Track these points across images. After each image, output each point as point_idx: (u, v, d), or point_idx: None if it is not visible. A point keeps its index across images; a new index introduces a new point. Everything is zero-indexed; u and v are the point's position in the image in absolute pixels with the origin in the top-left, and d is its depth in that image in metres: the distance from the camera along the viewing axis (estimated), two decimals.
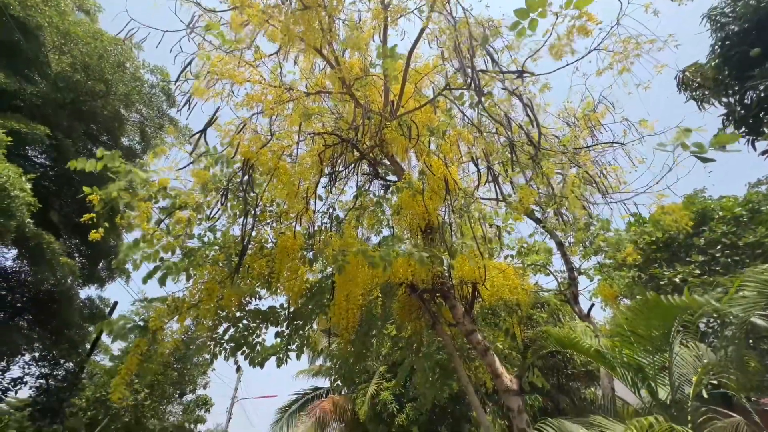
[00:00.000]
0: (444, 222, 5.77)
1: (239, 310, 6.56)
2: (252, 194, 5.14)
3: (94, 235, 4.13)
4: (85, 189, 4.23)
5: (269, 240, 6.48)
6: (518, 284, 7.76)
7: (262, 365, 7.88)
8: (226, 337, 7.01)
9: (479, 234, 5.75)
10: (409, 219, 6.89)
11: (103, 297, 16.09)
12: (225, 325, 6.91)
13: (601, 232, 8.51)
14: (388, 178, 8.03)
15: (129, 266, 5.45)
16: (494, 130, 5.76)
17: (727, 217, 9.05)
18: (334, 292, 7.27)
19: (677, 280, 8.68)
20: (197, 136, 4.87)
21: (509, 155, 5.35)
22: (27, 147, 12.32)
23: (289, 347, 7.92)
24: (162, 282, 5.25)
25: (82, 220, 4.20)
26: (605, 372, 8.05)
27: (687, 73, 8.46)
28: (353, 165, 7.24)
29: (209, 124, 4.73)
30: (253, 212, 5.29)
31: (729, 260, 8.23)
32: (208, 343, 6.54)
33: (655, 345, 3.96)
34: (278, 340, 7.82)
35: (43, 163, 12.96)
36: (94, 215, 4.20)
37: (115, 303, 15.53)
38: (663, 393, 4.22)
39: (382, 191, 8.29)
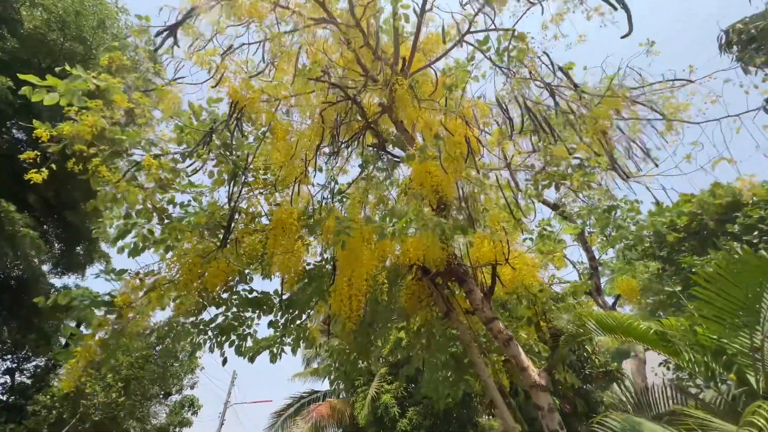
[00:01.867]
0: (463, 192, 5.01)
1: (226, 291, 5.73)
2: (239, 151, 4.36)
3: (34, 176, 3.31)
4: (35, 123, 3.43)
5: (262, 213, 5.70)
6: (537, 272, 7.00)
7: (253, 359, 7.04)
8: (212, 325, 6.19)
9: (502, 202, 4.99)
10: (419, 194, 6.14)
11: (81, 286, 15.06)
12: (210, 311, 6.10)
13: (630, 214, 7.76)
14: (395, 152, 7.29)
15: (107, 248, 4.69)
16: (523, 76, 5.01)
17: (762, 202, 8.34)
18: (335, 274, 6.48)
19: (711, 268, 7.89)
20: (164, 36, 4.09)
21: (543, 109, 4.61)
22: None
23: (283, 339, 7.10)
24: (135, 253, 4.45)
25: (21, 156, 3.41)
26: (635, 366, 7.22)
27: (737, 28, 7.73)
28: (357, 135, 6.48)
29: (181, 22, 3.97)
30: (242, 173, 4.51)
31: None
32: (191, 330, 5.71)
33: (746, 319, 3.21)
34: (272, 332, 7.00)
35: (19, 138, 11.94)
36: (36, 153, 3.41)
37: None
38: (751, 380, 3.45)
39: (389, 167, 7.53)
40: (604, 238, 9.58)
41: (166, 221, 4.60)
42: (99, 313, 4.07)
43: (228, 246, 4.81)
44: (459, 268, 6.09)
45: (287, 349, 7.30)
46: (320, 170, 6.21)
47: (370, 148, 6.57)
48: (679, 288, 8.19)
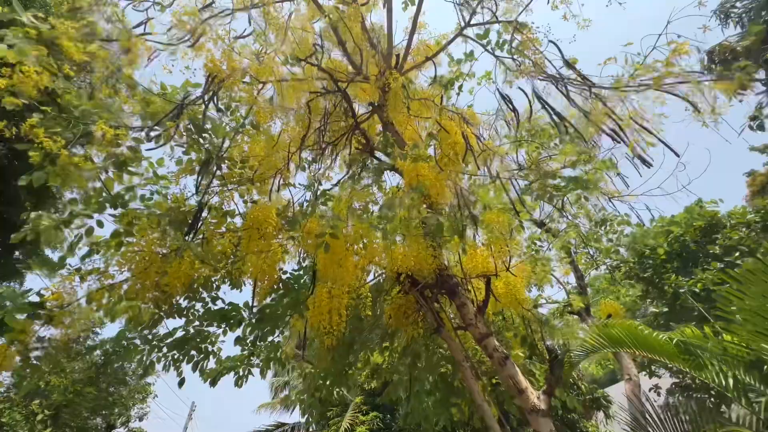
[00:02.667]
0: (461, 192, 4.65)
1: (188, 299, 4.99)
2: (215, 137, 3.84)
3: None
4: None
5: (236, 211, 5.10)
6: (525, 287, 6.67)
7: (215, 382, 6.17)
8: (169, 340, 5.35)
9: (504, 200, 4.66)
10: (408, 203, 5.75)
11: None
12: (168, 325, 5.28)
13: (620, 228, 7.67)
14: (382, 159, 6.93)
15: (49, 252, 3.93)
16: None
17: (740, 224, 8.50)
18: (315, 283, 5.87)
19: (697, 289, 7.85)
20: None
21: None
22: None
23: (251, 360, 6.29)
24: (71, 250, 3.71)
25: None
26: (629, 390, 6.87)
27: (721, 46, 8.12)
28: (345, 135, 6.10)
29: None
30: (215, 161, 3.97)
31: None
32: (141, 346, 4.87)
33: None
34: (238, 351, 6.19)
35: None
36: None
37: None
38: None
39: (375, 174, 7.14)
40: (590, 258, 9.46)
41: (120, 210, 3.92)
42: (21, 317, 3.26)
43: (194, 242, 4.16)
44: (450, 280, 5.65)
45: (255, 372, 6.49)
46: (303, 169, 5.73)
47: (357, 151, 6.19)
48: (665, 309, 8.06)
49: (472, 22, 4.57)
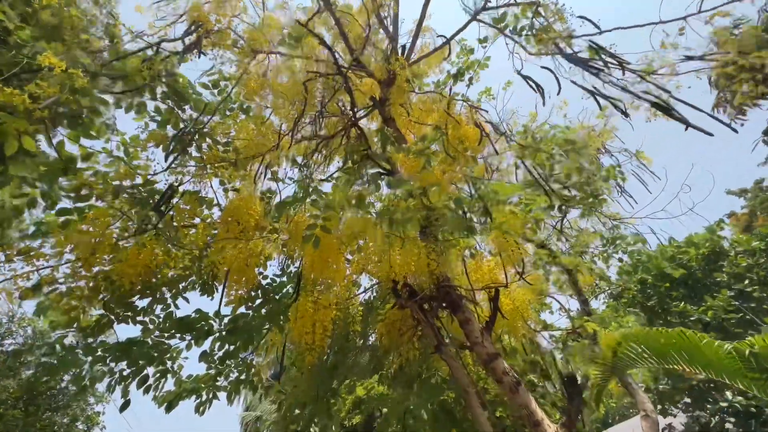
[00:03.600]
0: (472, 186, 4.15)
1: (146, 297, 4.19)
2: (196, 112, 3.28)
3: None
4: None
5: (215, 201, 4.44)
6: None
7: (170, 407, 5.20)
8: (116, 353, 4.45)
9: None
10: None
11: None
12: (119, 334, 4.42)
13: (635, 246, 7.23)
14: (379, 163, 6.45)
15: None
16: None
17: (745, 251, 8.22)
18: (299, 289, 5.14)
19: (707, 317, 7.36)
20: None
21: None
22: None
23: (217, 382, 5.37)
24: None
25: None
26: (648, 427, 6.15)
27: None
28: (340, 132, 5.63)
29: None
30: (192, 133, 3.38)
31: (765, 294, 7.14)
32: (81, 357, 3.99)
33: None
34: (203, 369, 5.28)
35: None
36: None
37: None
38: None
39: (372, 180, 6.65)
40: (594, 285, 8.97)
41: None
42: None
43: (161, 226, 3.47)
44: (452, 292, 5.01)
45: (222, 396, 5.54)
46: (294, 163, 5.17)
47: (356, 143, 5.69)
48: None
49: (488, 6, 4.29)
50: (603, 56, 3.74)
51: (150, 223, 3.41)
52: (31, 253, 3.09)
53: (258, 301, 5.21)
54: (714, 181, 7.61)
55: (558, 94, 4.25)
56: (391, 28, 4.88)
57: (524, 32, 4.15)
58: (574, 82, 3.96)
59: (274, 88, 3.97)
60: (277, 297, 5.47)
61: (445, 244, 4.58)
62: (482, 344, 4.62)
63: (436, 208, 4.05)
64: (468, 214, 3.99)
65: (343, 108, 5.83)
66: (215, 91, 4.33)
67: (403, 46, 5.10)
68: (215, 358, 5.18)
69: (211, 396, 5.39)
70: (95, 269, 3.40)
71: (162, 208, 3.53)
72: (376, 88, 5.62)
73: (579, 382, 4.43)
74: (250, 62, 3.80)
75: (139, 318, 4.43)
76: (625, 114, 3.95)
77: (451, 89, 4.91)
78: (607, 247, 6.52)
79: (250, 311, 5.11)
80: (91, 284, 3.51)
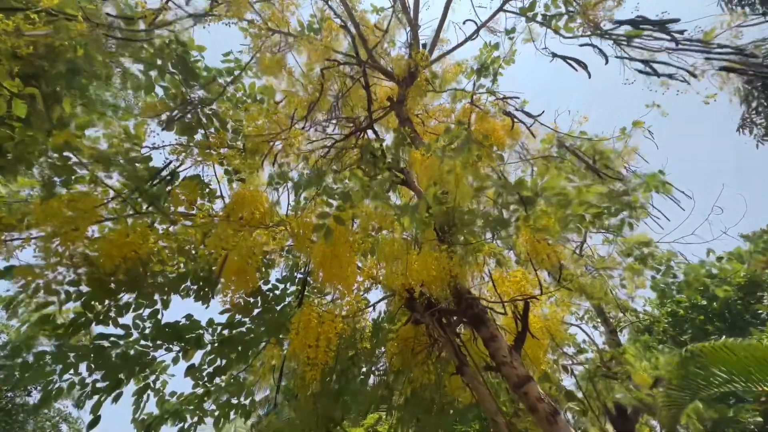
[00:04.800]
0: (502, 175, 3.77)
1: (129, 291, 3.70)
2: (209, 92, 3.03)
3: None
4: None
5: (217, 191, 4.08)
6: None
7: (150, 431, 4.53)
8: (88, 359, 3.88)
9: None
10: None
11: None
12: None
13: (672, 263, 6.60)
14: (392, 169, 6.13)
15: None
16: None
17: None
18: (303, 295, 4.63)
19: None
20: None
21: None
22: None
23: (204, 404, 4.71)
24: None
25: None
26: None
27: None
28: (356, 132, 5.37)
29: None
30: (195, 104, 3.10)
31: None
32: (49, 361, 3.44)
33: None
34: (189, 387, 4.63)
35: None
36: None
37: None
38: None
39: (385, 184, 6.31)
40: (619, 317, 8.27)
41: None
42: None
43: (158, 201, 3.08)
44: (475, 305, 4.45)
45: (208, 421, 4.85)
46: (305, 158, 4.86)
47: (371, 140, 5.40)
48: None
49: None
50: (653, 28, 3.50)
51: (143, 194, 3.02)
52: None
53: (257, 311, 4.67)
54: (746, 203, 7.18)
55: (606, 63, 3.93)
56: (411, 14, 4.75)
57: (556, 19, 3.96)
58: (621, 58, 3.68)
59: (289, 72, 3.75)
60: (278, 308, 4.93)
61: (468, 249, 4.10)
62: (511, 364, 3.99)
63: (458, 207, 3.64)
64: (501, 210, 3.55)
65: (356, 115, 5.63)
66: (228, 79, 4.12)
67: (424, 44, 4.95)
68: (203, 374, 4.55)
69: (196, 421, 4.71)
70: (77, 251, 2.98)
71: (158, 184, 3.17)
72: (389, 93, 5.44)
73: (629, 413, 3.74)
74: (266, 41, 3.61)
75: (121, 320, 3.91)
76: (693, 75, 3.62)
77: (474, 84, 4.69)
78: (640, 264, 5.95)
79: (247, 320, 4.55)
80: (70, 269, 3.07)
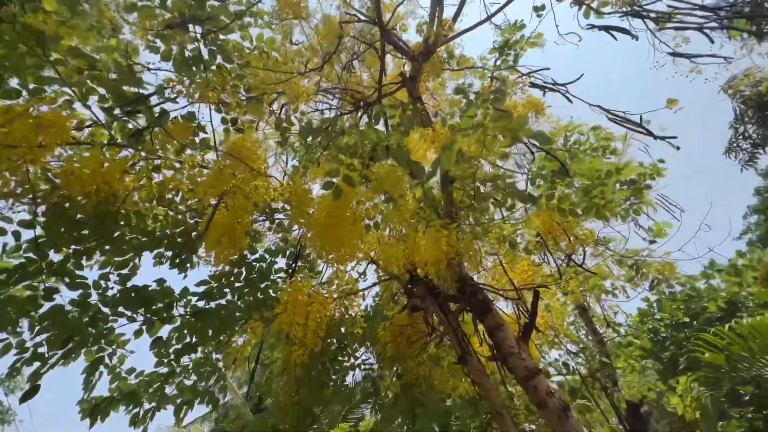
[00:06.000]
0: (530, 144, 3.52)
1: (97, 230, 3.14)
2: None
3: None
4: None
5: (211, 141, 3.64)
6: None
7: (95, 419, 3.87)
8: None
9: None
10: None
11: None
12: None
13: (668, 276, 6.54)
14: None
15: None
16: None
17: (764, 304, 7.75)
18: (296, 263, 4.19)
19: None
20: None
21: None
22: None
23: (167, 385, 4.09)
24: None
25: None
26: None
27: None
28: (361, 105, 5.08)
29: None
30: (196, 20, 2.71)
31: None
32: None
33: None
34: (151, 365, 4.01)
35: None
36: None
37: None
38: None
39: None
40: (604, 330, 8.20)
41: None
42: None
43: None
44: (480, 292, 4.14)
45: (170, 407, 4.21)
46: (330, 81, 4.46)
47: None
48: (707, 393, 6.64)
49: None
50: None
51: (131, 114, 2.56)
52: None
53: (242, 278, 4.16)
54: (731, 225, 7.35)
55: (636, 39, 3.85)
56: None
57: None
58: (655, 33, 3.60)
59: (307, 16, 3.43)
60: (263, 285, 4.42)
61: (482, 226, 3.82)
62: (519, 356, 3.69)
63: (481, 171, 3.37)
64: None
65: (364, 89, 5.34)
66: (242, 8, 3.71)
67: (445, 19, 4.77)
68: (170, 350, 3.96)
69: (153, 407, 4.07)
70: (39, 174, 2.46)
71: (147, 111, 2.72)
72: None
73: (643, 412, 3.49)
74: None
75: (80, 274, 3.31)
76: (745, 29, 3.54)
77: (496, 61, 4.52)
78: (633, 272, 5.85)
79: (227, 291, 4.04)
80: (26, 199, 2.53)
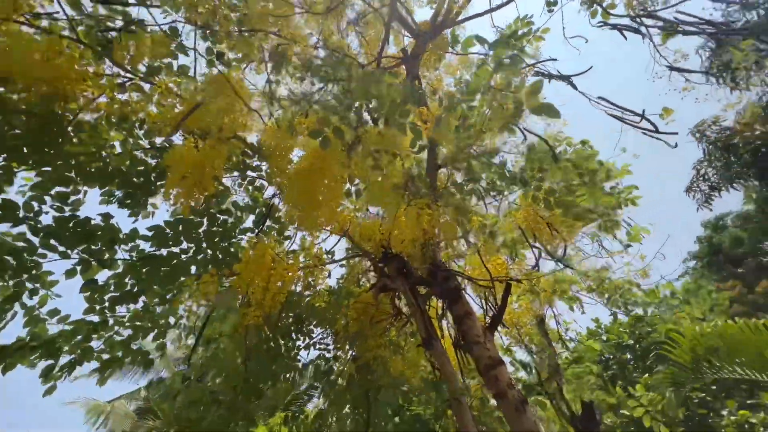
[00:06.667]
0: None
1: (44, 124, 2.69)
2: None
3: None
4: None
5: (190, 70, 3.28)
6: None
7: (7, 368, 3.34)
8: None
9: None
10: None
11: None
12: None
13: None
14: None
15: None
16: None
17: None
18: (266, 219, 3.89)
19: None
20: None
21: None
22: None
23: (93, 336, 3.61)
24: None
25: None
26: None
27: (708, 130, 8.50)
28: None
29: None
30: None
31: None
32: None
33: None
34: (79, 311, 3.51)
35: None
36: None
37: None
38: None
39: None
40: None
41: None
42: None
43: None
44: (452, 279, 4.03)
45: (87, 367, 3.71)
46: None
47: None
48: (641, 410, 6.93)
49: None
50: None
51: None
52: None
53: (206, 224, 3.76)
54: (681, 253, 7.80)
55: (649, 38, 3.95)
56: None
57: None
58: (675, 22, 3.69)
59: None
60: (225, 244, 4.04)
61: (464, 204, 3.70)
62: (485, 345, 3.60)
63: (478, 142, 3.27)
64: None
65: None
66: None
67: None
68: (106, 297, 3.50)
69: (74, 361, 3.57)
70: None
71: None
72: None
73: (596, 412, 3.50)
74: None
75: (12, 191, 2.83)
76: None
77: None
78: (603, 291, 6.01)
79: (182, 240, 3.65)
80: None
